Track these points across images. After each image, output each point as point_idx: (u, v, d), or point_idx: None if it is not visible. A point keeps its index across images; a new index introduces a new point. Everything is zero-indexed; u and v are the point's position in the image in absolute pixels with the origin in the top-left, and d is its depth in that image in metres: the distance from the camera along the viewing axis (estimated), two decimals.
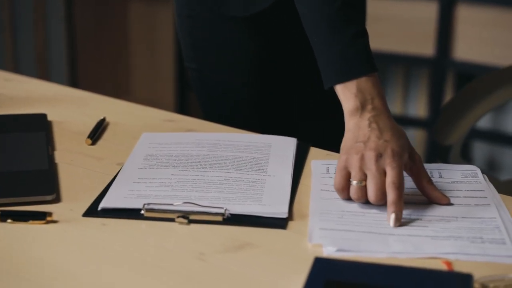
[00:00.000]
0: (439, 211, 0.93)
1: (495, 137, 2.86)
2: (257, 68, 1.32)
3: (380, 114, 0.97)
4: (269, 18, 1.27)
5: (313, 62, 1.06)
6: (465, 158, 2.85)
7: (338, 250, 0.84)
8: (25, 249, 0.85)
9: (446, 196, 0.96)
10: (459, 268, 0.81)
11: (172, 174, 1.03)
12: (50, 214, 0.90)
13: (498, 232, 0.88)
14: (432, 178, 1.00)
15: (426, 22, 2.64)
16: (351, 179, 0.94)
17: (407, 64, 2.89)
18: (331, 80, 1.00)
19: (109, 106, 1.32)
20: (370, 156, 0.94)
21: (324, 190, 0.99)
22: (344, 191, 0.95)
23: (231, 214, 0.92)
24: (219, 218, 0.91)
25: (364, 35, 1.01)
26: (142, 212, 0.92)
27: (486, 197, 0.97)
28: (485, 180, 1.02)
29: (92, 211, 0.93)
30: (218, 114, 1.35)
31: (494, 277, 0.78)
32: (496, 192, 0.99)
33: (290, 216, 0.93)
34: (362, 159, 0.94)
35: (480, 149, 2.94)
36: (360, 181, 0.94)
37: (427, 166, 1.05)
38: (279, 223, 0.91)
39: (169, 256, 0.84)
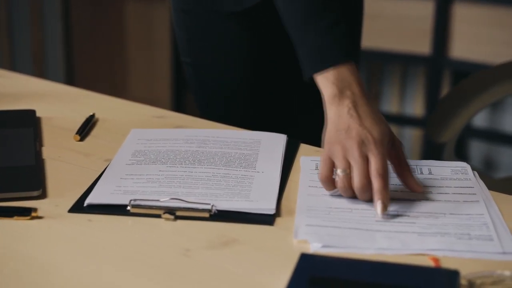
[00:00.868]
0: (427, 207, 0.93)
1: (492, 135, 2.86)
2: (252, 63, 1.31)
3: (359, 101, 0.97)
4: (263, 13, 1.27)
5: None
6: (462, 156, 2.85)
7: (324, 246, 0.84)
8: (9, 244, 0.84)
9: (421, 185, 0.96)
10: (446, 264, 0.81)
11: (160, 170, 1.02)
12: (35, 210, 0.89)
13: (485, 228, 0.87)
14: (421, 175, 1.00)
15: (422, 20, 2.64)
16: (335, 169, 0.94)
17: (403, 62, 2.88)
18: (309, 70, 1.00)
19: (99, 102, 1.31)
20: (351, 144, 0.93)
21: (312, 186, 0.98)
22: (329, 182, 0.95)
23: (218, 210, 0.91)
24: (206, 215, 0.90)
25: (340, 23, 1.00)
26: (128, 208, 0.92)
27: (475, 194, 0.96)
28: (475, 177, 1.01)
29: (78, 207, 0.92)
30: (213, 109, 1.35)
31: (481, 273, 0.78)
32: (486, 189, 0.98)
33: (278, 213, 0.92)
34: (344, 147, 0.93)
35: (477, 147, 2.93)
36: (344, 170, 0.93)
37: (417, 162, 1.05)
38: (266, 220, 0.90)
39: (155, 252, 0.83)
